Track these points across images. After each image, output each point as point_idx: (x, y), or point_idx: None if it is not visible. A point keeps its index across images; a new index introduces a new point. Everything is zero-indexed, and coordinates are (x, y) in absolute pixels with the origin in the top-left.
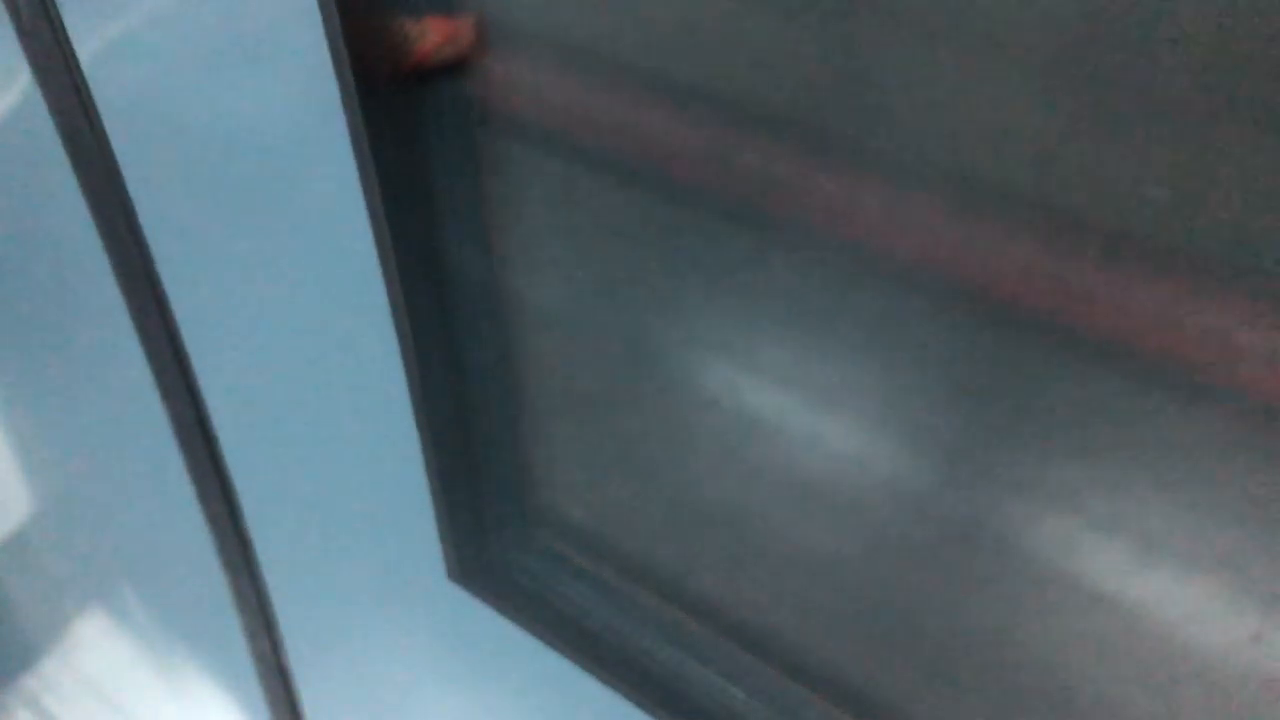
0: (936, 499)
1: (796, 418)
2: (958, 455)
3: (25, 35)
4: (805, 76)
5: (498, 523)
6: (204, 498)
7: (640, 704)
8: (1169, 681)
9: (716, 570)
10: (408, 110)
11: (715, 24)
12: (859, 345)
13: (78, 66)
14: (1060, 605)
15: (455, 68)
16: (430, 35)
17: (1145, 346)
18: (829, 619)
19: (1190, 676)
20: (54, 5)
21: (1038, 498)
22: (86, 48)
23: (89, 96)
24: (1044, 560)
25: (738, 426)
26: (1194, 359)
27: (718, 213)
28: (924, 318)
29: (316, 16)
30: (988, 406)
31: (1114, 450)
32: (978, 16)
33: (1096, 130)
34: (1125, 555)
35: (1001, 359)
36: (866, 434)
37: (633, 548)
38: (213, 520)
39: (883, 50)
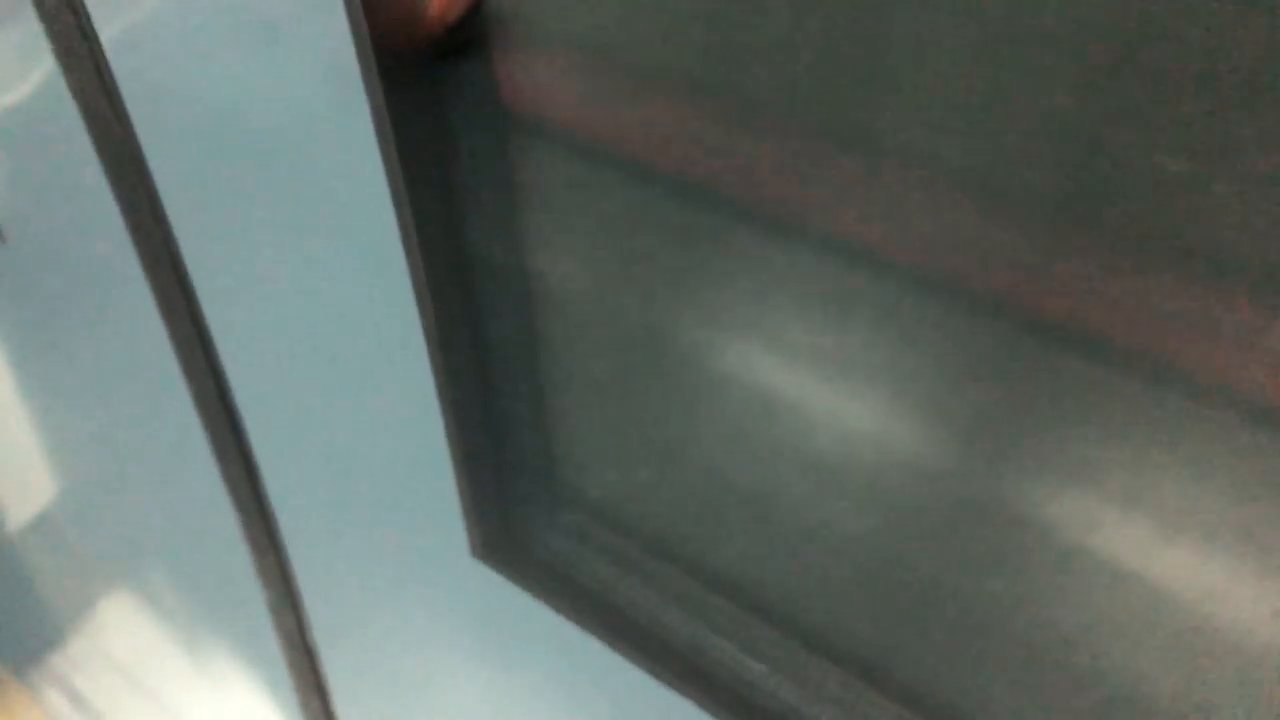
0: (952, 476)
1: (814, 396)
2: (975, 433)
3: (48, 17)
4: (824, 70)
5: (521, 500)
6: (228, 476)
7: (662, 678)
8: (1191, 657)
9: (738, 545)
10: (429, 86)
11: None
12: (871, 326)
13: (100, 48)
14: (1079, 581)
15: (472, 41)
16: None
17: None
18: (851, 593)
19: (1212, 652)
20: None
21: (1058, 474)
22: (108, 29)
23: (111, 78)
24: (1064, 536)
25: (757, 404)
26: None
27: (741, 198)
28: (931, 303)
29: None
30: (1005, 387)
31: (1136, 426)
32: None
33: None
34: (1147, 532)
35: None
36: (881, 411)
37: (655, 524)
38: (237, 499)
39: (893, 44)
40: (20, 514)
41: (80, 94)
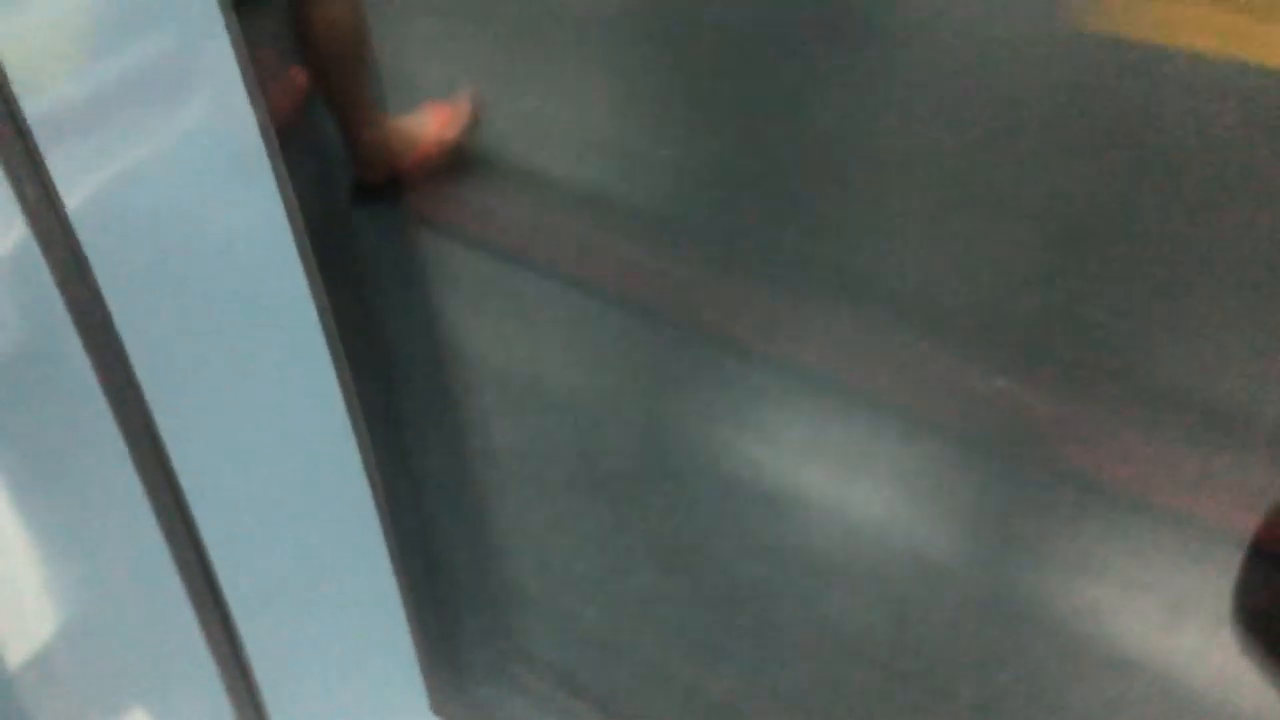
0: (916, 605)
1: (772, 527)
2: (919, 546)
3: (18, 187)
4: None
5: (476, 659)
6: (208, 632)
7: None
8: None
9: (694, 703)
10: (359, 241)
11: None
12: (817, 456)
13: (65, 215)
14: (1068, 670)
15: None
16: (425, 129)
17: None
18: None
19: None
20: (42, 161)
21: (1052, 568)
22: (73, 198)
23: (76, 242)
24: (1056, 628)
25: (711, 558)
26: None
27: (666, 319)
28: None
29: (264, 156)
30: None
31: (1131, 517)
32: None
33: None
34: (1147, 622)
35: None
36: (844, 546)
37: (609, 684)
38: (217, 654)
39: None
40: (17, 653)
41: (49, 253)
